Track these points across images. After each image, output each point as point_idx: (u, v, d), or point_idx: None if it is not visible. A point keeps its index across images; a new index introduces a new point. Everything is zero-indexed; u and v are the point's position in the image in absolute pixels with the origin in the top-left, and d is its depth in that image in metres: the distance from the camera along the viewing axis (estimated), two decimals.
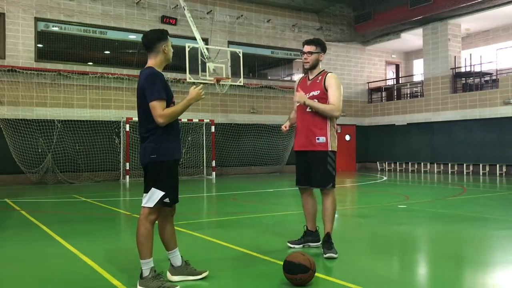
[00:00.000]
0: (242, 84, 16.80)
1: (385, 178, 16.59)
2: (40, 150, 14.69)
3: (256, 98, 19.25)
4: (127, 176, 15.39)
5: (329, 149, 4.64)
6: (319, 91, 4.67)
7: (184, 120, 16.28)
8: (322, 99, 4.64)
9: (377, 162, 21.77)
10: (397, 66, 24.64)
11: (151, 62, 3.72)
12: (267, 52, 19.94)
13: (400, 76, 24.43)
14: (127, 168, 15.46)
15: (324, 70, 4.86)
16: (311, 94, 4.70)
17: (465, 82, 19.48)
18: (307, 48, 4.78)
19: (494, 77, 18.75)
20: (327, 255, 4.44)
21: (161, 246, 3.87)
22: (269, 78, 20.83)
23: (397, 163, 20.97)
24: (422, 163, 19.95)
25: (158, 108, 3.51)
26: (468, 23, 19.42)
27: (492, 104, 17.59)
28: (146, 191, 3.61)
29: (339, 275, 3.96)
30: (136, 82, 3.76)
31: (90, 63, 16.48)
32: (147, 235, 3.54)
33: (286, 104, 19.72)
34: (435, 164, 19.43)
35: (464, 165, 18.32)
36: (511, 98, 16.99)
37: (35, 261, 4.58)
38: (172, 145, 3.66)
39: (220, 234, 5.94)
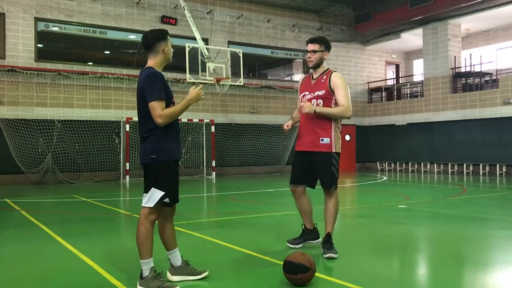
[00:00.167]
0: (242, 84, 16.80)
1: (385, 178, 16.59)
2: (40, 150, 14.69)
3: (256, 98, 19.24)
4: (127, 176, 15.39)
5: (333, 150, 4.58)
6: (324, 91, 4.58)
7: (184, 120, 16.28)
8: (327, 99, 4.58)
9: (377, 162, 21.77)
10: (397, 66, 24.64)
11: (151, 62, 3.72)
12: (267, 52, 19.94)
13: (400, 76, 24.43)
14: (127, 168, 15.46)
15: (328, 68, 4.77)
16: (316, 93, 4.61)
17: (465, 82, 19.48)
18: (310, 47, 4.69)
19: (494, 77, 18.75)
20: (327, 255, 4.43)
21: (161, 246, 3.87)
22: (269, 78, 20.84)
23: (397, 163, 20.97)
24: (422, 163, 19.95)
25: (157, 108, 3.50)
26: (468, 23, 19.42)
27: (492, 104, 17.59)
28: (146, 191, 3.61)
29: (339, 275, 3.96)
30: (136, 82, 3.75)
31: (90, 63, 16.48)
32: (147, 235, 3.54)
33: (286, 104, 19.72)
34: (435, 164, 19.43)
35: (464, 165, 18.32)
36: (511, 98, 16.99)
37: (35, 261, 4.58)
38: (172, 145, 3.67)
39: (220, 234, 5.94)
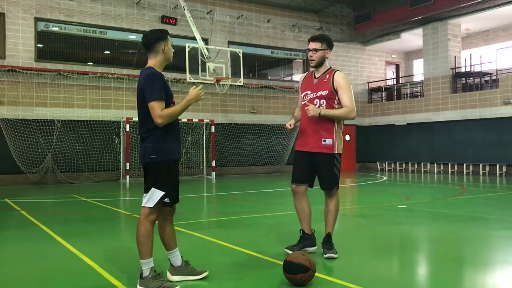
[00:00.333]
0: (242, 84, 16.79)
1: (385, 178, 16.59)
2: (40, 150, 14.68)
3: (256, 98, 19.24)
4: (127, 176, 15.39)
5: (336, 151, 4.51)
6: (327, 91, 4.49)
7: (184, 120, 16.28)
8: (330, 99, 4.49)
9: (377, 162, 21.77)
10: (397, 66, 24.64)
11: (151, 62, 3.72)
12: (267, 52, 19.94)
13: (400, 76, 24.43)
14: (127, 168, 15.46)
15: (331, 67, 4.68)
16: (318, 93, 4.52)
17: (465, 82, 19.48)
18: (312, 45, 4.59)
19: (494, 77, 18.74)
20: (327, 255, 4.43)
21: (161, 246, 3.87)
22: (269, 78, 20.84)
23: (397, 163, 20.97)
24: (422, 163, 19.95)
25: (157, 109, 3.50)
26: (468, 23, 19.42)
27: (492, 104, 17.58)
28: (146, 191, 3.61)
29: (339, 275, 3.96)
30: (136, 82, 3.75)
31: (90, 63, 16.48)
32: (147, 235, 3.54)
33: (286, 104, 19.72)
34: (435, 164, 19.43)
35: (464, 165, 18.31)
36: (511, 98, 16.99)
37: (35, 261, 4.58)
38: (172, 145, 3.66)
39: (220, 234, 5.94)
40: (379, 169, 21.42)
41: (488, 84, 19.01)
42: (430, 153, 19.76)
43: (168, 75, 16.19)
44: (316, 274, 3.70)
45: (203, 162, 17.45)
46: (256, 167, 18.86)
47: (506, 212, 7.78)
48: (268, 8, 19.73)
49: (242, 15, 19.00)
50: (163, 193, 3.56)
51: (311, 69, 4.74)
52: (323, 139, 4.48)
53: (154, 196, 3.56)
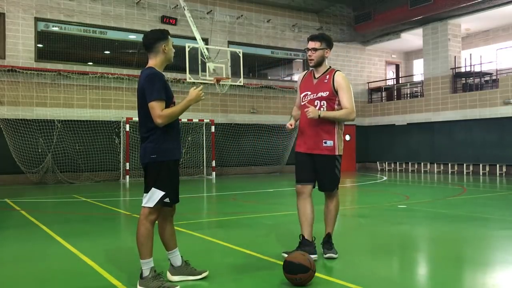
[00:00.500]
0: (242, 84, 16.80)
1: (385, 178, 16.59)
2: (40, 150, 14.68)
3: (256, 98, 19.24)
4: (127, 176, 15.39)
5: (337, 153, 4.45)
6: (328, 92, 4.41)
7: (184, 120, 16.28)
8: (331, 100, 4.41)
9: (377, 162, 21.77)
10: (397, 66, 24.64)
11: (152, 62, 3.72)
12: (267, 52, 19.94)
13: (400, 76, 24.43)
14: (127, 168, 15.46)
15: (330, 67, 4.59)
16: (319, 94, 4.43)
17: (465, 82, 19.48)
18: (311, 45, 4.49)
19: (494, 77, 18.74)
20: (328, 255, 4.43)
21: (161, 246, 3.87)
22: (269, 78, 20.84)
23: (397, 163, 20.97)
24: (422, 163, 19.95)
25: (157, 109, 3.50)
26: (468, 23, 19.42)
27: (492, 104, 17.58)
28: (146, 191, 3.61)
29: (339, 275, 3.96)
30: (136, 82, 3.75)
31: (90, 63, 16.48)
32: (147, 235, 3.54)
33: (286, 104, 19.72)
34: (435, 164, 19.43)
35: (464, 165, 18.31)
36: (511, 98, 16.99)
37: (35, 261, 4.58)
38: (172, 145, 3.66)
39: (220, 234, 5.94)
40: (379, 169, 21.42)
41: (488, 84, 19.01)
42: (430, 153, 19.76)
43: (168, 75, 16.19)
44: (316, 274, 3.70)
45: (203, 162, 17.45)
46: (256, 167, 18.86)
47: (506, 212, 7.78)
48: (268, 8, 19.73)
49: (242, 15, 19.01)
50: (163, 193, 3.56)
51: (311, 68, 4.66)
52: (324, 140, 4.41)
53: (154, 196, 3.56)
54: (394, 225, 6.59)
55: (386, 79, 23.69)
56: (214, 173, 17.19)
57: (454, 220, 6.90)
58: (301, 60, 20.94)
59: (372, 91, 23.03)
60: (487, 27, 20.19)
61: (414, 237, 5.90)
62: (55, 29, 15.70)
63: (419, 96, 21.29)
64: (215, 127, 17.50)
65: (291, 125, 4.53)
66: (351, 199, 10.53)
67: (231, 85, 16.42)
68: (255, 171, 18.82)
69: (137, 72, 15.66)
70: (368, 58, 23.00)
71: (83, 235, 6.00)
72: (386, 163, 21.40)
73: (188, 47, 15.14)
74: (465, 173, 18.11)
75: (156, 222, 3.72)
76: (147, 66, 3.72)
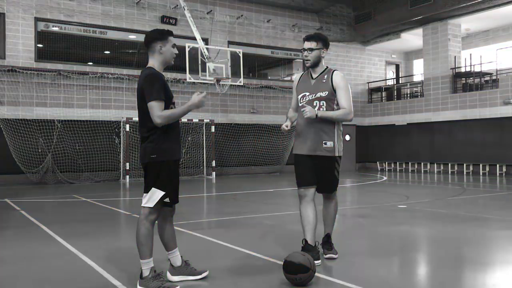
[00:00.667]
0: (242, 84, 16.80)
1: (385, 178, 16.59)
2: (40, 150, 14.68)
3: (256, 98, 19.24)
4: (127, 176, 15.39)
5: (336, 154, 4.38)
6: (327, 92, 4.33)
7: (184, 120, 16.27)
8: (330, 100, 4.34)
9: (377, 162, 21.76)
10: (397, 66, 24.64)
11: (151, 62, 3.72)
12: (267, 52, 19.93)
13: (400, 76, 24.43)
14: (127, 168, 15.46)
15: (328, 67, 4.50)
16: (318, 95, 4.36)
17: (465, 82, 19.48)
18: (307, 45, 4.41)
19: (494, 77, 18.74)
20: (328, 255, 4.43)
21: (161, 246, 3.87)
22: (269, 78, 20.84)
23: (397, 163, 20.96)
24: (422, 163, 19.94)
25: (156, 109, 3.50)
26: (468, 23, 19.42)
27: (492, 104, 17.58)
28: (146, 191, 3.61)
29: (339, 275, 3.96)
30: (136, 82, 3.74)
31: (90, 63, 16.48)
32: (147, 235, 3.54)
33: (286, 104, 19.70)
34: (435, 164, 19.43)
35: (464, 165, 18.31)
36: (511, 98, 16.99)
37: (35, 261, 4.58)
38: (172, 145, 3.66)
39: (220, 234, 5.94)
40: (379, 169, 21.42)
41: (488, 84, 19.01)
42: (430, 153, 19.76)
43: (168, 75, 16.19)
44: (316, 274, 3.70)
45: (203, 162, 17.45)
46: (256, 167, 18.86)
47: (506, 212, 7.78)
48: (268, 8, 19.73)
49: (242, 15, 19.00)
50: (163, 193, 3.56)
51: (295, 67, 4.66)
52: (323, 142, 4.33)
53: (154, 196, 3.56)
54: (394, 225, 6.59)
55: (386, 79, 23.69)
56: (214, 173, 17.19)
57: (454, 220, 6.90)
58: (301, 60, 20.90)
59: (372, 91, 23.03)
60: (487, 27, 20.19)
61: (414, 237, 5.90)
62: (55, 29, 15.70)
63: (419, 96, 21.29)
64: (215, 127, 17.50)
65: (287, 127, 4.44)
66: (351, 199, 10.53)
67: (231, 85, 16.42)
68: (255, 171, 18.82)
69: (137, 72, 15.66)
70: (368, 58, 23.00)
71: (83, 235, 6.00)
72: (386, 163, 21.40)
73: (188, 47, 15.14)
74: (465, 173, 18.11)
75: (156, 222, 3.72)
76: (146, 66, 3.72)
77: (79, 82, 15.64)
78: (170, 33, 3.75)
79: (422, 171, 19.72)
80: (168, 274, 3.79)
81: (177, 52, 3.78)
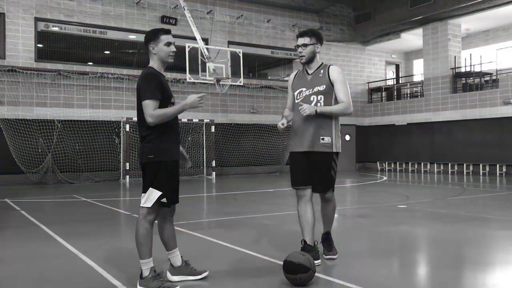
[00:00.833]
0: (242, 84, 16.80)
1: (385, 178, 16.59)
2: (40, 150, 14.68)
3: (256, 98, 19.24)
4: (127, 176, 15.40)
5: (334, 150, 4.28)
6: (324, 86, 4.26)
7: (184, 120, 16.28)
8: (328, 94, 4.27)
9: (377, 162, 21.76)
10: (397, 66, 24.64)
11: (151, 62, 3.73)
12: (267, 52, 19.93)
13: (400, 76, 24.43)
14: (127, 168, 15.46)
15: (323, 63, 4.43)
16: (315, 89, 4.28)
17: (465, 82, 19.48)
18: (301, 41, 4.33)
19: (494, 77, 18.74)
20: (328, 256, 4.43)
21: (161, 246, 3.87)
22: (269, 78, 20.84)
23: (397, 163, 20.96)
24: (422, 163, 19.94)
25: (149, 108, 3.49)
26: (468, 23, 19.42)
27: (492, 104, 17.58)
28: (144, 191, 3.61)
29: (339, 275, 3.96)
30: (136, 82, 3.73)
31: (90, 63, 16.48)
32: (146, 235, 3.54)
33: (286, 104, 19.69)
34: (435, 164, 19.43)
35: (464, 165, 18.31)
36: (511, 98, 16.99)
37: (35, 261, 4.58)
38: (170, 145, 3.65)
39: (220, 234, 5.94)
40: (379, 169, 21.42)
41: (488, 84, 19.01)
42: (430, 153, 19.76)
43: (168, 75, 16.18)
44: (316, 274, 3.70)
45: (203, 162, 17.45)
46: (256, 167, 18.86)
47: (506, 212, 7.78)
48: (268, 8, 19.73)
49: (242, 15, 19.00)
50: (160, 193, 3.55)
51: (295, 67, 4.59)
52: (321, 137, 4.24)
53: (152, 196, 3.55)
54: (394, 225, 6.59)
55: (386, 79, 23.69)
56: (214, 173, 17.19)
57: (454, 220, 6.90)
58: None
59: (372, 91, 23.03)
60: (487, 27, 20.19)
61: (414, 237, 5.90)
62: (55, 29, 15.70)
63: (419, 96, 21.29)
64: (215, 127, 17.50)
65: (283, 125, 4.37)
66: (351, 199, 10.53)
67: (231, 85, 16.42)
68: (255, 171, 18.81)
69: (137, 72, 15.65)
70: (368, 58, 23.00)
71: (83, 235, 6.00)
72: (386, 163, 21.40)
73: (188, 47, 15.14)
74: (465, 173, 18.11)
75: (156, 222, 3.72)
76: (147, 66, 3.73)
77: (79, 82, 15.64)
78: (163, 31, 3.69)
79: (422, 171, 19.72)
80: (168, 274, 3.79)
81: (173, 49, 3.70)
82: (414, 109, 20.67)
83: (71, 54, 16.21)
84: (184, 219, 6.83)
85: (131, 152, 15.60)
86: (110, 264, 4.32)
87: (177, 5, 16.92)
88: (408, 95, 22.74)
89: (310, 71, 4.40)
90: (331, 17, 21.21)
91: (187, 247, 4.73)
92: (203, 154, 17.46)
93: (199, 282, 3.78)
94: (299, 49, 4.35)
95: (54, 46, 15.90)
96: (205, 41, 17.19)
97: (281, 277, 3.71)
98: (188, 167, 4.02)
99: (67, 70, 15.38)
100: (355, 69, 22.45)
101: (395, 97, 22.94)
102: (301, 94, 4.38)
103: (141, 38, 3.84)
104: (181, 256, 3.84)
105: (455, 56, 19.28)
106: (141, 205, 3.60)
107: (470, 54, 19.68)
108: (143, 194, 3.62)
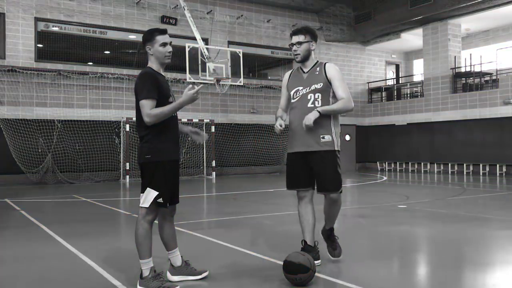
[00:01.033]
0: (242, 84, 16.80)
1: (385, 178, 16.59)
2: (40, 150, 14.68)
3: (256, 98, 19.24)
4: (127, 176, 15.40)
5: (336, 148, 4.15)
6: (321, 84, 4.16)
7: (184, 120, 16.27)
8: (325, 92, 4.17)
9: (377, 162, 21.76)
10: (397, 66, 24.64)
11: (149, 62, 3.74)
12: (267, 52, 19.93)
13: (400, 76, 24.43)
14: (127, 168, 15.47)
15: (318, 61, 4.33)
16: (312, 87, 4.18)
17: (465, 82, 19.48)
18: (295, 39, 4.23)
19: (494, 77, 18.74)
20: (334, 258, 4.39)
21: (161, 246, 3.87)
22: (269, 78, 20.83)
23: (397, 163, 20.96)
24: (422, 163, 19.94)
25: (146, 107, 3.49)
26: (468, 23, 19.42)
27: (492, 104, 17.58)
28: (143, 191, 3.61)
29: (339, 275, 3.96)
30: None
31: (90, 63, 16.48)
32: (145, 235, 3.54)
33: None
34: (435, 164, 19.43)
35: (464, 165, 18.31)
36: (511, 98, 16.99)
37: (35, 261, 4.58)
38: (168, 145, 3.64)
39: (220, 234, 5.94)
40: (379, 169, 21.42)
41: (488, 84, 19.01)
42: (430, 153, 19.76)
43: (168, 75, 16.18)
44: (316, 274, 3.70)
45: (203, 162, 17.45)
46: (256, 167, 18.86)
47: (506, 212, 7.78)
48: (268, 8, 19.73)
49: (242, 15, 19.00)
50: (157, 193, 3.54)
51: (298, 65, 4.39)
52: (321, 136, 4.12)
53: (149, 196, 3.55)
54: (394, 225, 6.59)
55: (386, 79, 23.69)
56: (214, 173, 17.19)
57: (454, 220, 6.90)
58: None
59: (372, 91, 23.03)
60: (487, 27, 20.19)
61: (414, 237, 5.90)
62: (55, 29, 15.70)
63: (419, 96, 21.29)
64: (215, 127, 17.50)
65: (280, 126, 4.18)
66: (351, 199, 10.53)
67: (231, 85, 16.42)
68: (255, 171, 18.81)
69: (137, 72, 15.64)
70: (368, 58, 23.00)
71: (83, 235, 6.00)
72: (386, 163, 21.40)
73: (188, 47, 15.14)
74: (465, 173, 18.11)
75: (157, 222, 3.72)
76: (146, 66, 3.73)
77: (79, 82, 15.64)
78: (159, 32, 3.66)
79: (422, 171, 19.72)
80: (168, 274, 3.79)
81: (169, 50, 3.67)
82: (414, 109, 20.67)
83: (71, 54, 16.21)
84: (184, 219, 6.83)
85: (131, 152, 15.60)
86: (110, 264, 4.32)
87: (177, 5, 16.92)
88: (408, 95, 22.74)
89: (305, 70, 4.31)
90: (331, 17, 21.21)
91: (187, 247, 4.73)
92: (203, 154, 17.47)
93: (199, 282, 3.78)
94: (294, 48, 4.26)
95: (54, 46, 15.90)
96: (205, 41, 17.19)
97: (281, 277, 3.71)
98: (206, 139, 3.97)
99: (67, 70, 15.38)
100: (355, 69, 22.45)
101: (395, 97, 22.95)
102: (297, 93, 4.27)
103: (141, 38, 3.83)
104: (181, 256, 3.84)
105: (455, 56, 19.28)
106: (140, 205, 3.60)
107: (470, 54, 19.68)
108: (141, 194, 3.62)
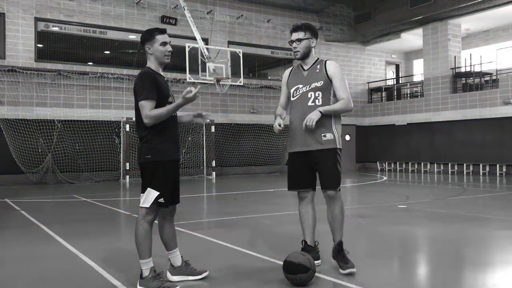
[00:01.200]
0: (242, 84, 16.80)
1: (385, 178, 16.59)
2: (40, 150, 14.68)
3: (256, 98, 19.24)
4: (127, 176, 15.40)
5: (337, 146, 4.10)
6: (322, 82, 4.10)
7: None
8: (326, 90, 4.11)
9: (377, 162, 21.76)
10: (397, 66, 24.64)
11: (148, 62, 3.72)
12: (267, 52, 19.93)
13: (400, 76, 24.43)
14: (127, 168, 15.47)
15: (319, 58, 4.27)
16: (313, 85, 4.11)
17: (465, 82, 19.48)
18: (295, 36, 4.15)
19: (494, 77, 18.74)
20: (347, 271, 3.91)
21: (160, 246, 3.87)
22: (269, 78, 20.83)
23: (397, 163, 20.96)
24: (422, 163, 19.95)
25: (145, 108, 3.49)
26: (468, 23, 19.42)
27: (492, 104, 17.58)
28: (143, 191, 3.61)
29: (339, 275, 3.96)
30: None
31: (90, 63, 16.48)
32: (145, 235, 3.54)
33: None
34: (435, 164, 19.43)
35: (464, 165, 18.31)
36: (511, 98, 16.99)
37: (35, 261, 4.58)
38: (168, 145, 3.64)
39: (220, 234, 5.94)
40: (379, 169, 21.42)
41: (488, 84, 19.01)
42: (430, 153, 19.76)
43: (168, 75, 16.19)
44: (316, 274, 3.70)
45: (203, 162, 17.45)
46: (256, 167, 18.86)
47: (506, 212, 7.78)
48: (268, 8, 19.73)
49: (242, 15, 19.00)
50: (157, 193, 3.54)
51: (298, 62, 4.31)
52: (323, 134, 4.07)
53: (149, 196, 3.55)
54: (394, 225, 6.59)
55: (386, 79, 23.69)
56: (214, 173, 17.18)
57: (454, 220, 6.90)
58: None
59: (372, 91, 23.03)
60: (487, 27, 20.19)
61: (414, 237, 5.90)
62: (55, 29, 15.70)
63: (419, 96, 21.29)
64: (215, 127, 17.50)
65: (279, 125, 4.12)
66: (351, 199, 10.53)
67: (231, 85, 16.43)
68: (255, 171, 18.81)
69: (137, 72, 15.58)
70: (368, 58, 23.00)
71: (83, 235, 6.00)
72: (386, 163, 21.40)
73: (188, 47, 15.14)
74: (465, 173, 18.11)
75: (157, 222, 3.72)
76: (145, 66, 3.73)
77: (79, 82, 15.64)
78: (159, 31, 3.66)
79: (422, 171, 19.72)
80: (168, 274, 3.79)
81: (169, 49, 3.67)
82: (414, 109, 20.67)
83: (71, 54, 16.21)
84: (184, 219, 6.83)
85: (131, 152, 15.60)
86: (110, 264, 4.32)
87: (177, 5, 16.92)
88: (408, 95, 22.75)
89: (306, 67, 4.24)
90: (331, 17, 21.21)
91: (187, 247, 4.73)
92: (203, 154, 17.47)
93: (199, 282, 3.78)
94: (294, 44, 4.19)
95: (54, 46, 15.90)
96: (205, 41, 17.19)
97: (281, 277, 3.71)
98: (209, 119, 3.93)
99: (67, 70, 15.38)
100: (355, 69, 22.45)
101: (395, 97, 22.95)
102: (297, 91, 4.21)
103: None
104: (181, 256, 3.84)
105: (455, 56, 19.29)
106: (140, 205, 3.60)
107: (470, 54, 19.68)
108: (141, 194, 3.62)
